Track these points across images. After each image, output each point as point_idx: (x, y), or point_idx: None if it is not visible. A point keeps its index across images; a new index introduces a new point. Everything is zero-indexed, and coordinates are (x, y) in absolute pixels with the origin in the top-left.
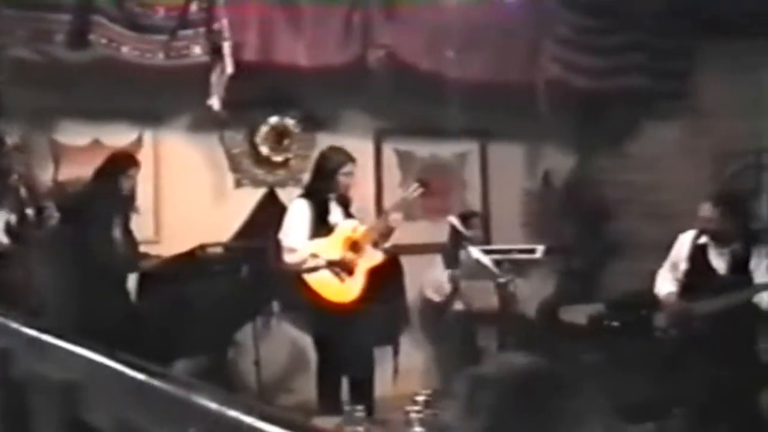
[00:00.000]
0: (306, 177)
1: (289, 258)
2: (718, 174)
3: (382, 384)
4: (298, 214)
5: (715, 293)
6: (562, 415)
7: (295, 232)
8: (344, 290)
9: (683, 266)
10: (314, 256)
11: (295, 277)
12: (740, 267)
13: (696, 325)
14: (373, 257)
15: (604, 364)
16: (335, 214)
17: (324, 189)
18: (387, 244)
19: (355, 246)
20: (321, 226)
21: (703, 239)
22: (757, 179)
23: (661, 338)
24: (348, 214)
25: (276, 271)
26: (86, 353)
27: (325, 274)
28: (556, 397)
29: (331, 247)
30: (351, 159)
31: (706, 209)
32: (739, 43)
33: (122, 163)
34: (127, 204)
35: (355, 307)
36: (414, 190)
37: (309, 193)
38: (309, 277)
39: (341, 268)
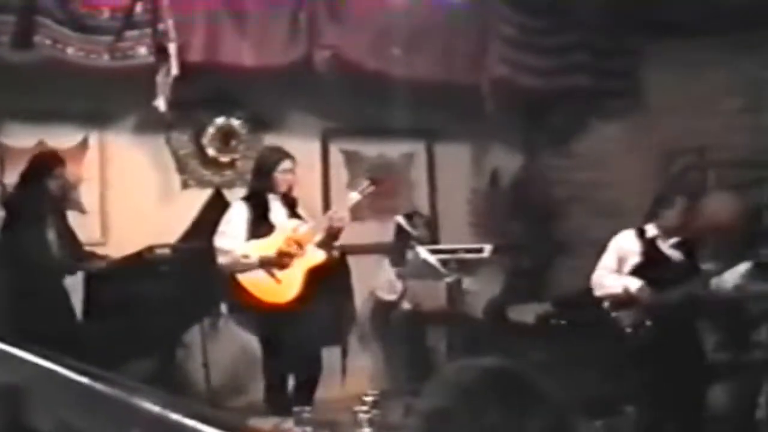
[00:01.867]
0: None
1: (222, 259)
2: (664, 171)
3: (331, 384)
4: (234, 215)
5: (677, 281)
6: (525, 414)
7: (229, 233)
8: (281, 290)
9: (634, 261)
10: (245, 257)
11: (231, 280)
12: (692, 254)
13: (664, 317)
14: (313, 257)
15: (551, 363)
16: (278, 214)
17: (263, 188)
18: (335, 244)
19: (297, 245)
20: (262, 227)
21: (652, 232)
22: (702, 176)
23: (621, 335)
24: (294, 215)
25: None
26: (28, 356)
27: (260, 275)
28: (520, 397)
29: (269, 248)
30: (288, 156)
31: (666, 203)
32: (684, 41)
33: (46, 163)
34: (58, 204)
35: (296, 308)
36: (365, 188)
37: (250, 195)
38: (243, 279)
39: (273, 264)
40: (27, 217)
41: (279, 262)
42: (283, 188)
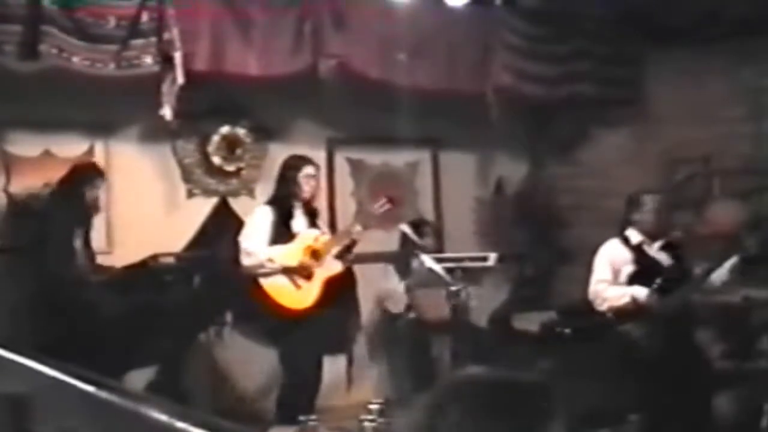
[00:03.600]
0: (258, 186)
1: (246, 261)
2: (668, 180)
3: (336, 393)
4: (259, 218)
5: (673, 285)
6: (529, 425)
7: (254, 236)
8: (300, 297)
9: (628, 270)
10: (270, 261)
11: (251, 282)
12: (678, 255)
13: (670, 325)
14: (331, 267)
15: (557, 371)
16: (300, 222)
17: (287, 194)
18: (350, 256)
19: (315, 255)
20: (284, 233)
21: (636, 239)
22: (706, 184)
23: (627, 344)
24: (314, 225)
25: (230, 279)
26: (34, 365)
27: (282, 280)
28: (523, 407)
29: (290, 254)
30: (311, 162)
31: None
32: (688, 49)
33: (88, 173)
34: (89, 215)
35: (309, 315)
36: (381, 205)
37: (274, 200)
38: (265, 283)
39: (298, 273)
40: (60, 225)
41: (304, 270)
42: (306, 193)
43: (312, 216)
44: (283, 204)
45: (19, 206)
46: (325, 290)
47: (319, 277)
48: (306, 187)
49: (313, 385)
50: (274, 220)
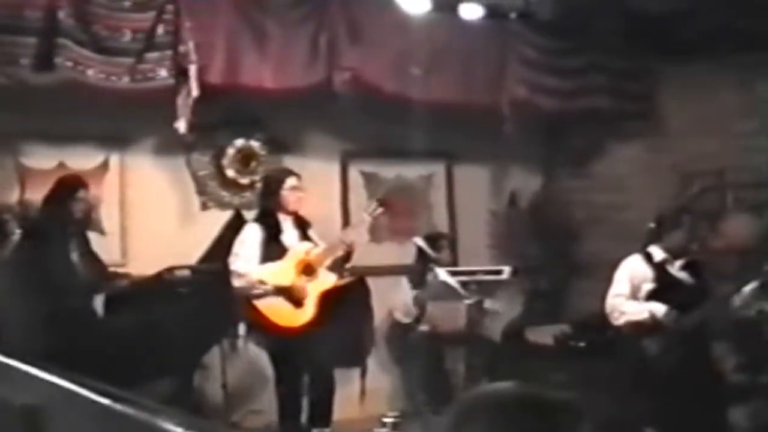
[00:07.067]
0: None
1: (237, 282)
2: (682, 193)
3: (350, 405)
4: (248, 237)
5: (693, 304)
6: None
7: (243, 256)
8: (295, 314)
9: (648, 287)
10: (262, 282)
11: (246, 302)
12: (700, 274)
13: (685, 340)
14: (325, 281)
15: (570, 384)
16: (290, 236)
17: (272, 208)
18: (347, 266)
19: (308, 269)
20: (275, 249)
21: (660, 256)
22: (720, 198)
23: (642, 358)
24: (305, 237)
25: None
26: (48, 377)
27: (276, 299)
28: (551, 426)
29: (283, 271)
30: (293, 173)
31: (674, 224)
32: (701, 63)
33: (70, 186)
34: (81, 226)
35: (309, 331)
36: (373, 210)
37: (260, 217)
38: (259, 303)
39: (289, 297)
40: (51, 240)
41: (296, 294)
42: (292, 206)
43: (303, 228)
44: (270, 219)
45: (27, 216)
46: (322, 305)
47: (313, 292)
48: (291, 199)
49: (327, 399)
50: (263, 237)
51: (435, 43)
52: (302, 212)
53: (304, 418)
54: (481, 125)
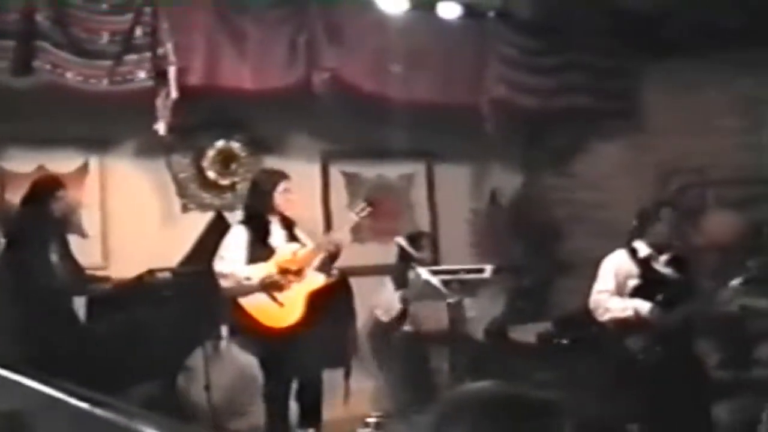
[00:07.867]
0: None
1: (224, 283)
2: (663, 191)
3: (334, 406)
4: (233, 239)
5: (678, 300)
6: None
7: (228, 257)
8: (282, 314)
9: (633, 283)
10: (247, 279)
11: (233, 304)
12: (685, 270)
13: (669, 337)
14: (313, 281)
15: (553, 382)
16: (277, 237)
17: (262, 211)
18: (334, 266)
19: (295, 270)
20: (261, 250)
21: (645, 252)
22: (701, 195)
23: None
24: (293, 237)
25: (224, 295)
26: (29, 383)
27: (262, 299)
28: (533, 425)
29: (269, 272)
30: (285, 177)
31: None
32: (683, 61)
33: (47, 187)
34: (61, 227)
35: (298, 331)
36: (361, 210)
37: (249, 219)
38: (245, 303)
39: (273, 287)
40: (30, 241)
41: (280, 281)
42: (283, 209)
43: (289, 229)
44: (258, 222)
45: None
46: (310, 305)
47: (301, 292)
48: (283, 204)
49: (315, 401)
50: (250, 239)
51: (414, 43)
52: (287, 213)
53: (291, 419)
54: (461, 124)
